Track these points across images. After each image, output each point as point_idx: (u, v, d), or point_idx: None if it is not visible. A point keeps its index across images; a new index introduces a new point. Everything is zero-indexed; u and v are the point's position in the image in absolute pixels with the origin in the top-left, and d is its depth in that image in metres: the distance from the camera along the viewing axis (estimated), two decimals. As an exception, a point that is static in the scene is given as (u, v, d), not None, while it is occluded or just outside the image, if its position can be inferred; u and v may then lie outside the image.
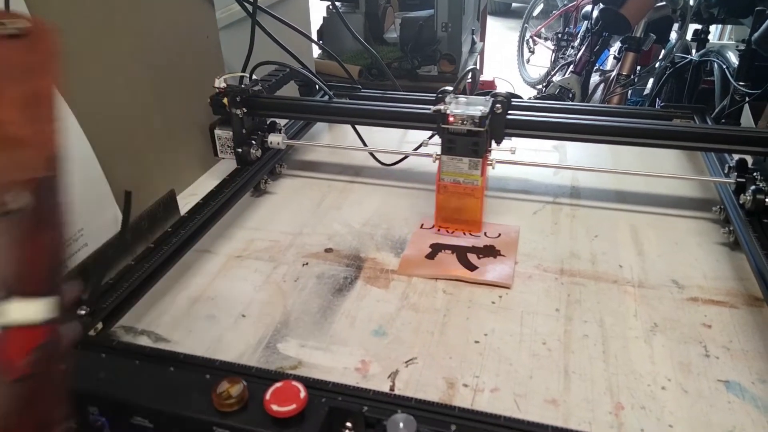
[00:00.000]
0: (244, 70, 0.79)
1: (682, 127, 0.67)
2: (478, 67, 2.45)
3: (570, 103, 1.93)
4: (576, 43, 2.47)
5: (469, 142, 0.64)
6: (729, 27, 2.53)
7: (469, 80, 0.79)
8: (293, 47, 0.84)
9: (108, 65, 0.65)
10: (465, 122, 0.63)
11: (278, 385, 0.38)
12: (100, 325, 0.49)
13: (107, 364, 0.43)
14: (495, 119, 0.66)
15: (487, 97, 0.66)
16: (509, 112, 0.68)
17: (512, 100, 0.69)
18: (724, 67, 1.56)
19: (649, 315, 0.55)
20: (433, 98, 0.80)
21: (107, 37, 0.64)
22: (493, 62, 3.44)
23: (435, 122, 0.66)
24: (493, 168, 0.68)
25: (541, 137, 0.72)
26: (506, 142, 0.69)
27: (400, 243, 0.68)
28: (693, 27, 1.90)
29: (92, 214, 0.62)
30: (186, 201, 0.75)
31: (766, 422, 0.44)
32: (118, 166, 0.66)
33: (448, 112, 0.64)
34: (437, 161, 0.67)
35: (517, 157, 0.70)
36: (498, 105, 0.66)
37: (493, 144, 0.69)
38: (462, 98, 0.67)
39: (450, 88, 0.68)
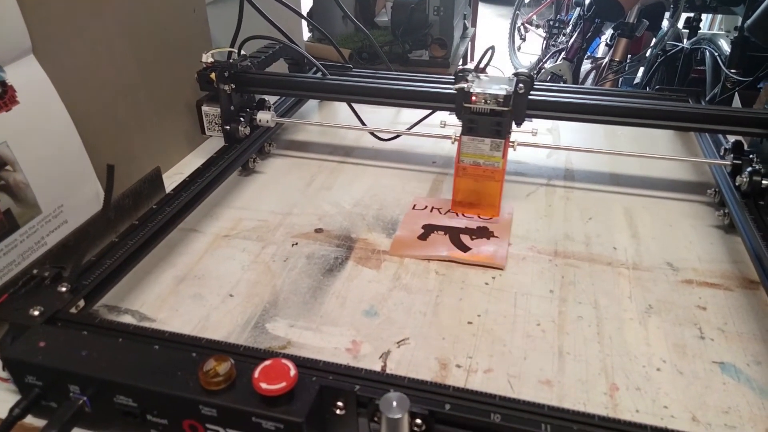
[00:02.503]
0: (232, 46, 0.77)
1: (685, 107, 0.66)
2: (469, 51, 2.44)
3: (568, 85, 1.93)
4: (568, 30, 2.47)
5: (492, 123, 0.62)
6: (719, 17, 2.53)
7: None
8: (283, 27, 0.81)
9: (90, 37, 0.62)
10: (488, 102, 0.61)
11: (267, 362, 0.37)
12: (81, 303, 0.48)
13: (89, 341, 0.41)
14: (517, 99, 0.64)
15: (511, 76, 0.64)
16: (531, 92, 0.65)
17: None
18: (716, 54, 1.56)
19: (644, 297, 0.55)
20: (426, 79, 0.79)
21: (89, 6, 0.62)
22: (483, 49, 3.42)
23: (454, 101, 0.64)
24: (515, 150, 0.66)
25: (564, 119, 0.69)
26: (527, 124, 0.67)
27: (391, 224, 0.66)
28: (685, 15, 1.90)
29: (73, 191, 0.60)
30: (172, 180, 0.73)
31: (761, 404, 0.44)
32: (102, 142, 0.64)
33: (471, 90, 0.62)
34: (456, 143, 0.64)
35: (537, 140, 0.68)
36: (521, 84, 0.63)
37: (513, 126, 0.67)
38: (484, 77, 0.65)
39: (470, 67, 0.65)
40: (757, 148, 0.64)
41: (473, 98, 0.62)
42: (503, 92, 0.61)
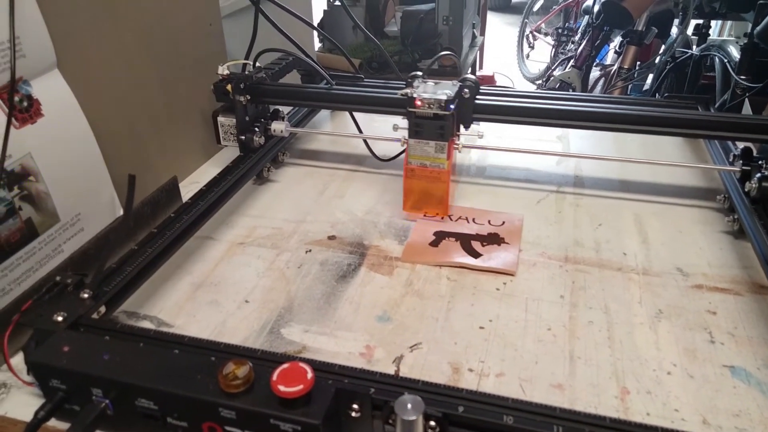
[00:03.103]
0: (247, 58, 0.79)
1: (688, 114, 0.67)
2: (478, 60, 2.45)
3: (573, 93, 1.93)
4: (576, 38, 2.47)
5: (435, 126, 0.65)
6: (729, 24, 2.53)
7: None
8: (295, 38, 0.83)
9: (109, 50, 0.64)
10: (431, 106, 0.63)
11: (285, 366, 0.38)
12: (103, 309, 0.49)
13: (111, 346, 0.42)
14: (462, 103, 0.66)
15: (455, 82, 0.67)
16: (477, 96, 0.68)
17: (511, 89, 0.68)
18: (726, 61, 1.56)
19: (654, 302, 0.55)
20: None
21: (109, 21, 0.64)
22: (492, 57, 3.43)
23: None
24: (459, 152, 0.69)
25: (510, 122, 0.72)
26: (474, 127, 0.70)
27: (403, 231, 0.67)
28: (694, 22, 1.90)
29: (90, 200, 0.61)
30: (188, 189, 0.75)
31: (772, 407, 0.44)
32: (120, 152, 0.66)
33: (415, 95, 0.64)
34: (405, 145, 0.67)
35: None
36: (466, 90, 0.66)
37: (462, 129, 0.70)
38: (430, 83, 0.67)
39: (420, 73, 0.68)
40: (766, 154, 0.64)
41: (417, 103, 0.63)
42: (445, 97, 0.63)
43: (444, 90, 0.65)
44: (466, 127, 0.70)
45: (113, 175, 0.64)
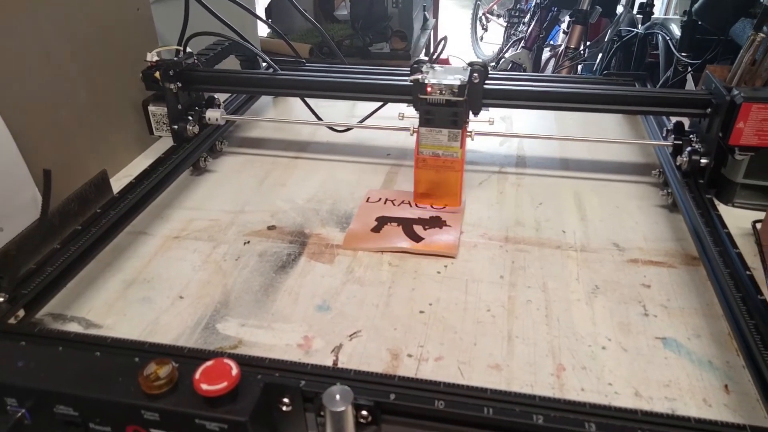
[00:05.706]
0: (179, 44, 0.75)
1: (622, 91, 0.68)
2: (431, 42, 2.44)
3: (515, 73, 1.94)
4: (526, 19, 2.49)
5: (449, 113, 0.63)
6: (674, 1, 2.58)
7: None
8: (237, 25, 0.80)
9: (23, 38, 0.60)
10: (443, 92, 0.61)
11: (208, 363, 0.36)
12: (21, 313, 0.46)
13: (27, 352, 0.40)
14: (472, 89, 0.64)
15: (465, 66, 0.65)
16: (486, 81, 0.66)
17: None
18: (668, 38, 1.59)
19: (591, 278, 0.56)
20: (381, 71, 0.79)
21: (22, 7, 0.60)
22: (448, 40, 3.43)
23: (410, 93, 0.64)
24: (473, 140, 0.67)
25: (519, 107, 0.70)
26: (484, 113, 0.68)
27: (345, 217, 0.66)
28: (638, 1, 1.93)
29: (8, 199, 0.58)
30: (122, 182, 0.71)
31: (700, 375, 0.45)
32: (42, 148, 0.63)
33: (426, 81, 0.61)
34: (415, 134, 0.64)
35: (492, 128, 0.68)
36: (475, 74, 0.63)
37: (471, 116, 0.67)
38: (439, 68, 0.65)
39: (426, 59, 0.65)
40: (696, 128, 0.66)
41: (428, 89, 0.62)
42: (458, 82, 0.61)
43: (456, 75, 0.62)
44: (476, 113, 0.67)
45: (35, 171, 0.60)
